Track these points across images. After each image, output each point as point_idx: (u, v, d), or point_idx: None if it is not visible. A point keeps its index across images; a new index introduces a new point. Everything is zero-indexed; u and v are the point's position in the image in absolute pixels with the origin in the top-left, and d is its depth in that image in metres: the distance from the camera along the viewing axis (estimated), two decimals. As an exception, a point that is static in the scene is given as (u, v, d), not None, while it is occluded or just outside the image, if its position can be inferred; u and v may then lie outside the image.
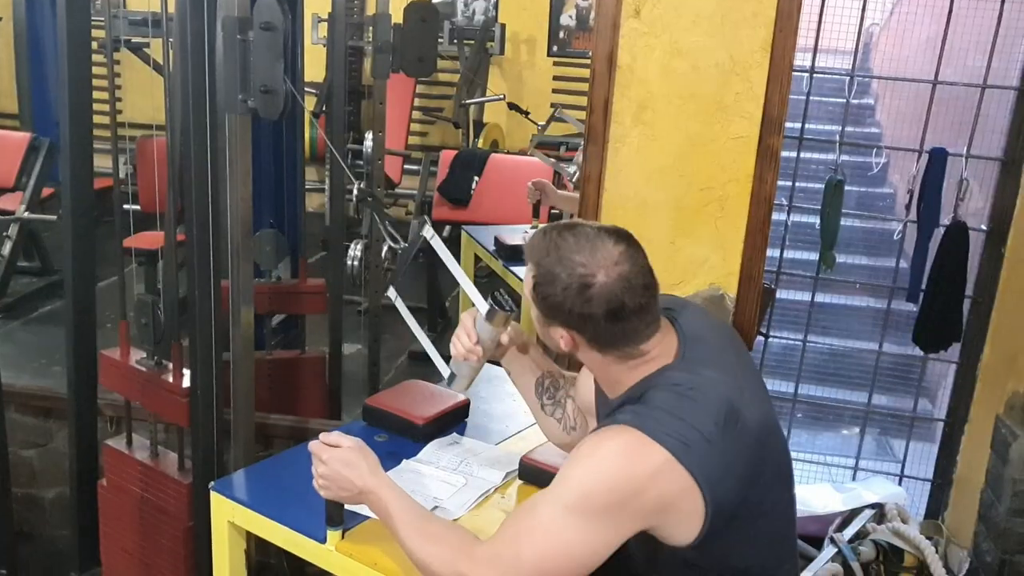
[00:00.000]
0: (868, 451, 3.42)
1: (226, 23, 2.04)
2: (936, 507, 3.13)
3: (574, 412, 1.81)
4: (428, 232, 1.84)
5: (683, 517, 1.39)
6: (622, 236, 1.48)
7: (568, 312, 1.45)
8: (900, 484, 3.20)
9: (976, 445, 2.91)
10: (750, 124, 2.42)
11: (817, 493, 3.06)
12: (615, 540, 1.38)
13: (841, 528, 2.85)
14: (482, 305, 1.69)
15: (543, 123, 3.88)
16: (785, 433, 3.35)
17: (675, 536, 1.42)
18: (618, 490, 1.35)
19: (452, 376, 1.77)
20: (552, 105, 5.14)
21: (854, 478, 3.27)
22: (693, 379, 1.44)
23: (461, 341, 1.71)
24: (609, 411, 1.52)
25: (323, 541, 1.63)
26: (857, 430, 3.39)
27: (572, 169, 3.92)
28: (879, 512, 2.93)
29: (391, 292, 2.00)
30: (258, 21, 2.01)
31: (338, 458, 1.53)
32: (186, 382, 2.32)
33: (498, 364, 1.89)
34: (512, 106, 5.72)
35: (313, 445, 1.57)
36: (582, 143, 3.01)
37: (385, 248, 3.73)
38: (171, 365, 2.38)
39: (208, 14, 2.14)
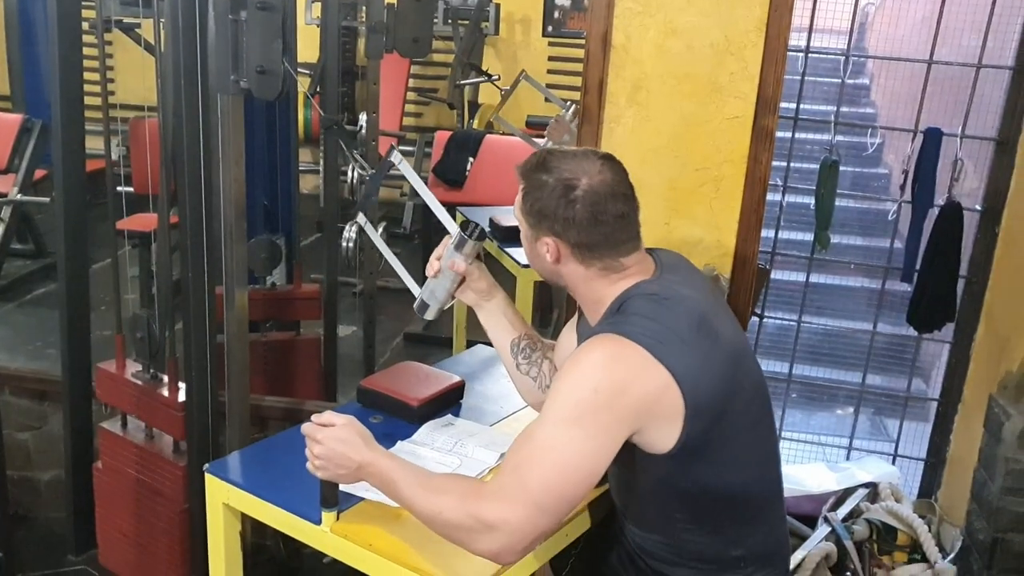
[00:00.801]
0: (862, 431, 3.44)
1: (218, 2, 2.03)
2: (929, 486, 3.15)
3: (550, 371, 1.86)
4: (396, 157, 1.92)
5: (664, 416, 1.45)
6: (607, 156, 1.59)
7: (553, 215, 1.53)
8: (894, 464, 3.22)
9: (969, 424, 2.92)
10: (745, 104, 2.41)
11: (811, 472, 3.07)
12: (610, 445, 1.43)
13: (835, 507, 2.86)
14: (454, 230, 1.80)
15: (508, 88, 3.86)
16: (779, 414, 3.37)
17: (657, 441, 1.47)
18: (602, 391, 1.41)
19: (423, 304, 1.87)
20: (547, 88, 5.11)
21: (848, 458, 3.29)
22: (668, 290, 1.54)
23: (431, 264, 1.82)
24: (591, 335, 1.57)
25: (318, 522, 1.63)
26: (851, 410, 3.40)
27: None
28: (873, 491, 2.95)
29: (360, 217, 2.09)
30: (254, 0, 1.99)
31: (333, 436, 1.54)
32: (182, 396, 2.33)
33: (489, 345, 1.92)
34: (475, 67, 5.68)
35: (306, 427, 1.57)
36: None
37: (380, 229, 3.73)
38: (166, 379, 2.38)
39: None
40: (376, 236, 2.05)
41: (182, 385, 2.34)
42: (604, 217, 1.52)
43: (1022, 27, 2.74)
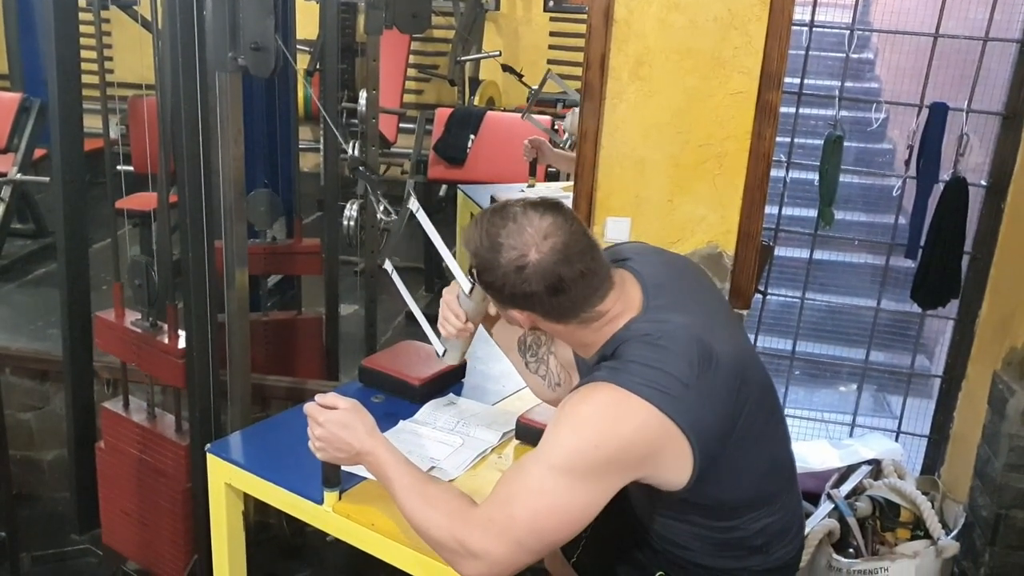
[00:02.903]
0: (865, 408, 3.43)
1: (213, -23, 2.00)
2: (932, 463, 3.14)
3: (557, 368, 1.82)
4: (414, 205, 1.89)
5: (672, 464, 1.41)
6: (549, 208, 1.46)
7: (512, 295, 1.46)
8: (897, 440, 3.21)
9: (973, 401, 2.91)
10: (749, 79, 2.39)
11: (814, 449, 3.07)
12: (605, 495, 1.41)
13: (838, 484, 2.87)
14: (464, 282, 1.68)
15: (536, 87, 3.83)
16: (782, 391, 3.36)
17: (667, 482, 1.44)
18: (604, 447, 1.37)
19: (445, 349, 1.81)
20: (548, 64, 5.08)
21: (851, 435, 3.28)
22: (662, 327, 1.46)
23: (450, 321, 1.72)
24: (587, 369, 1.54)
25: (320, 502, 1.63)
26: (854, 387, 3.39)
27: (565, 137, 3.89)
28: (876, 468, 2.94)
29: (387, 265, 2.01)
30: (248, -24, 1.97)
31: (334, 420, 1.53)
32: (181, 343, 2.31)
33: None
34: (506, 68, 5.65)
35: (309, 407, 1.56)
36: (577, 100, 2.97)
37: (381, 208, 3.72)
38: (166, 326, 2.36)
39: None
40: (400, 283, 1.98)
41: (182, 332, 2.31)
42: (563, 284, 1.43)
43: (1030, -1, 2.70)
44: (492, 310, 1.70)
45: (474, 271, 1.56)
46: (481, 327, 1.83)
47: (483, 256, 1.46)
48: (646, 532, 1.66)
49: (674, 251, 2.45)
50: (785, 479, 1.66)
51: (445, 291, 1.74)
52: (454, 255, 4.16)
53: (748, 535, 1.58)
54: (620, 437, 1.37)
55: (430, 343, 2.08)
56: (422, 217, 1.87)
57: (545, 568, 1.92)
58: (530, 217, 1.44)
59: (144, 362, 2.42)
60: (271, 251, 3.11)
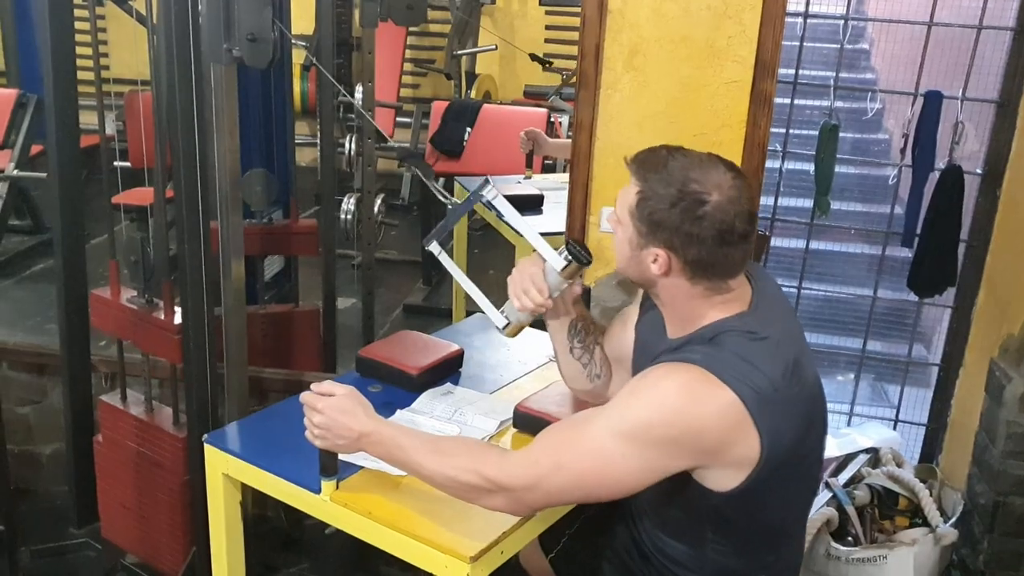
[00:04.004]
0: (863, 397, 3.43)
1: (208, -31, 2.00)
2: (931, 451, 3.15)
3: (601, 360, 1.79)
4: (491, 193, 1.72)
5: (734, 462, 1.38)
6: (733, 165, 1.45)
7: (675, 230, 1.40)
8: (895, 429, 3.22)
9: (970, 389, 2.92)
10: (743, 68, 2.39)
11: (812, 439, 3.07)
12: (662, 473, 1.39)
13: (836, 473, 2.87)
14: (557, 260, 1.61)
15: (569, 71, 3.79)
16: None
17: (717, 480, 1.41)
18: (678, 425, 1.35)
19: (507, 323, 1.70)
20: (544, 56, 5.07)
21: (849, 424, 3.28)
22: (764, 330, 1.43)
23: (530, 295, 1.63)
24: (668, 349, 1.49)
25: (318, 491, 1.62)
26: (852, 376, 3.40)
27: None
28: (874, 456, 2.95)
29: (434, 247, 1.83)
30: (242, -34, 1.97)
31: (334, 406, 1.53)
32: (177, 319, 2.30)
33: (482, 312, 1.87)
34: (534, 57, 5.55)
35: (305, 396, 1.56)
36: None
37: (379, 201, 3.72)
38: (162, 303, 2.36)
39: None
40: (452, 265, 1.87)
41: (178, 309, 2.31)
42: (730, 238, 1.39)
43: (1024, -13, 2.70)
44: (577, 289, 1.69)
45: (575, 244, 1.55)
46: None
47: (658, 182, 1.40)
48: (643, 540, 1.64)
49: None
50: (805, 516, 1.64)
51: (524, 261, 1.67)
52: (451, 249, 4.17)
53: (753, 567, 1.55)
54: (697, 418, 1.35)
55: (427, 328, 2.07)
56: (500, 202, 1.73)
57: (520, 564, 1.89)
58: (716, 164, 1.42)
59: (140, 339, 2.41)
60: (267, 232, 3.09)
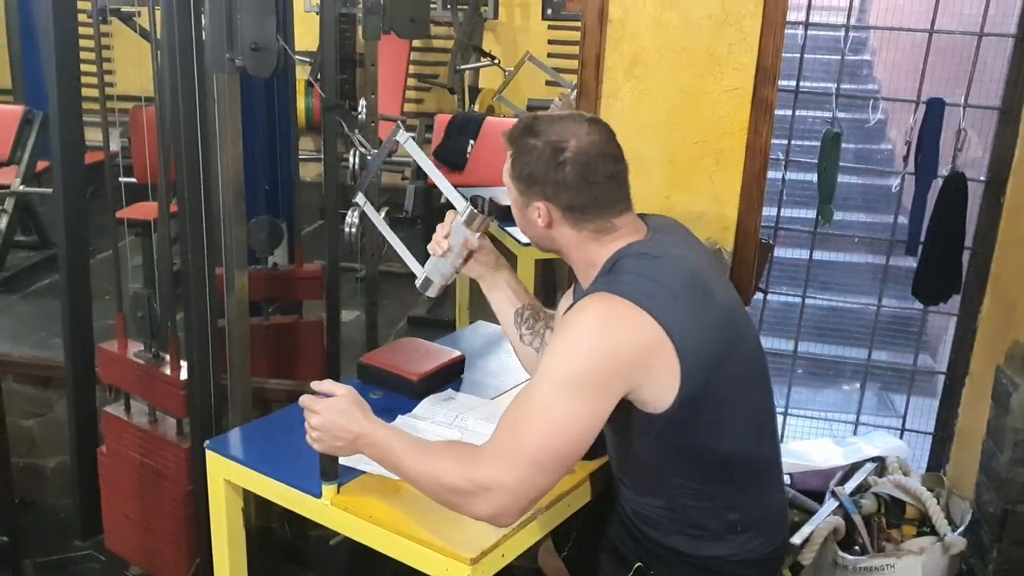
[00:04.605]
0: (869, 407, 3.42)
1: (211, -22, 2.02)
2: (938, 460, 3.13)
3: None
4: (402, 136, 1.90)
5: (659, 372, 1.45)
6: (594, 119, 1.59)
7: (543, 179, 1.53)
8: (901, 438, 3.20)
9: (977, 397, 2.90)
10: (744, 76, 2.40)
11: (818, 447, 3.06)
12: (605, 404, 1.44)
13: (842, 482, 2.85)
14: (461, 205, 1.77)
15: (512, 69, 3.84)
16: (784, 391, 3.35)
17: (654, 399, 1.47)
18: (596, 349, 1.42)
19: (427, 281, 1.85)
20: (525, 54, 5.13)
21: (855, 433, 3.27)
22: (660, 249, 1.55)
23: (437, 240, 1.80)
24: (583, 295, 1.56)
25: (318, 496, 1.62)
26: (857, 386, 3.39)
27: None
28: (880, 465, 2.93)
29: (360, 198, 2.05)
30: (247, -25, 1.98)
31: (331, 407, 1.53)
32: (183, 374, 2.32)
33: (490, 321, 1.92)
34: (478, 50, 5.67)
35: (304, 398, 1.56)
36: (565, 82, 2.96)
37: (383, 213, 3.72)
38: (167, 357, 2.38)
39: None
40: (376, 216, 2.04)
41: (184, 363, 2.33)
42: (594, 178, 1.52)
43: (1024, -6, 2.71)
44: (475, 242, 1.78)
45: (482, 199, 1.70)
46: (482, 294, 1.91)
47: (521, 140, 1.55)
48: (627, 515, 1.67)
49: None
50: (767, 460, 1.67)
51: (448, 213, 1.81)
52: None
53: (722, 511, 1.59)
54: (610, 338, 1.42)
55: (431, 341, 2.08)
56: (411, 146, 1.92)
57: (538, 567, 1.91)
58: (575, 118, 1.56)
59: (146, 393, 2.44)
60: (272, 277, 3.14)
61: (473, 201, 1.79)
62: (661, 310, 1.43)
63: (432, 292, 1.87)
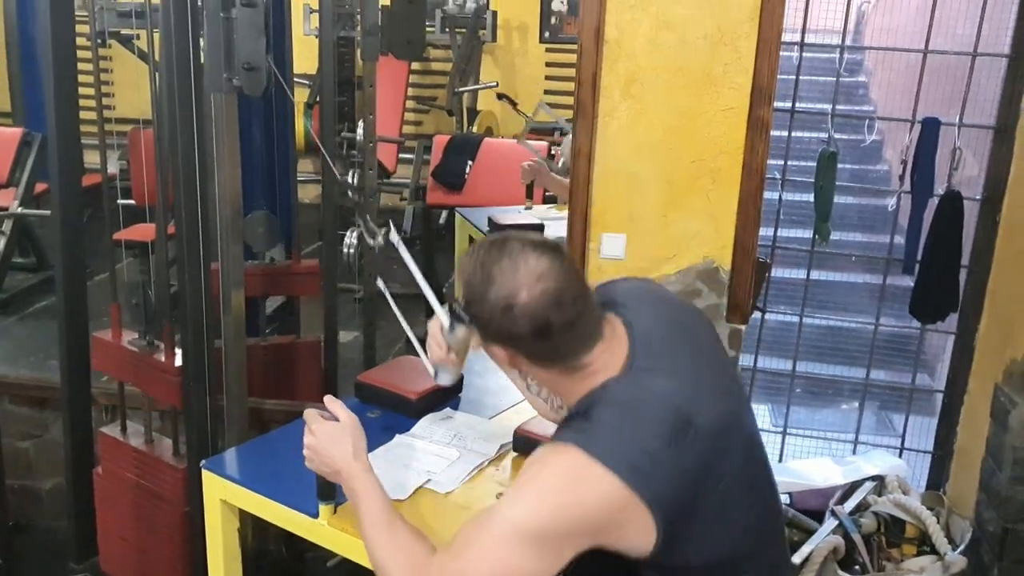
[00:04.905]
0: (868, 426, 3.41)
1: (210, 0, 2.03)
2: (937, 479, 3.12)
3: None
4: (394, 237, 1.92)
5: (633, 534, 1.35)
6: (547, 250, 1.40)
7: (497, 332, 1.41)
8: (900, 457, 3.19)
9: (976, 415, 2.90)
10: (739, 95, 2.41)
11: (817, 466, 3.05)
12: (561, 562, 1.35)
13: (842, 501, 2.84)
14: (444, 319, 1.65)
15: (530, 114, 3.89)
16: (783, 410, 3.34)
17: (629, 550, 1.38)
18: (562, 515, 1.32)
19: (437, 371, 1.78)
20: (545, 93, 5.16)
21: (854, 453, 3.26)
22: (639, 393, 1.40)
23: (433, 351, 1.71)
24: (559, 424, 1.48)
25: (315, 516, 1.62)
26: (856, 405, 3.38)
27: (560, 163, 3.93)
28: (880, 484, 2.92)
29: (380, 283, 2.04)
30: (240, -3, 2.00)
31: (326, 431, 1.52)
32: (178, 361, 2.32)
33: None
34: (501, 96, 5.71)
35: (308, 412, 1.56)
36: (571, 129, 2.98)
37: (382, 232, 3.73)
38: (162, 345, 2.37)
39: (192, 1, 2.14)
40: (411, 262, 1.97)
41: (178, 351, 2.32)
42: (550, 331, 1.37)
43: (1016, 15, 2.73)
44: (474, 342, 1.60)
45: (458, 305, 1.51)
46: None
47: (474, 287, 1.41)
48: None
49: (669, 266, 2.52)
50: (765, 539, 1.57)
51: (431, 323, 1.72)
52: (453, 284, 4.17)
53: None
54: (580, 506, 1.32)
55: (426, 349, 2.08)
56: (402, 250, 1.91)
57: None
58: (526, 256, 1.38)
59: (141, 381, 2.42)
60: (269, 272, 3.12)
61: (451, 311, 1.62)
62: (639, 480, 1.31)
63: (447, 381, 1.80)
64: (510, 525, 1.34)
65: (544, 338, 1.38)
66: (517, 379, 1.82)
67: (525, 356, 1.44)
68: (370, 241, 2.14)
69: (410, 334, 1.99)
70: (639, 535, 1.35)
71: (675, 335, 1.51)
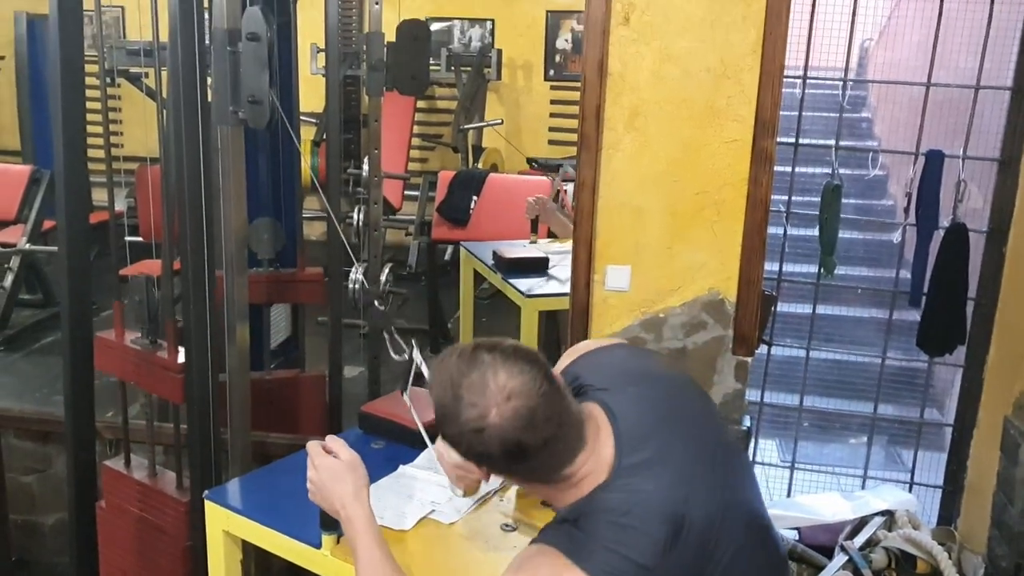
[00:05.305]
0: (876, 462, 3.38)
1: (216, 35, 2.06)
2: (948, 514, 3.08)
3: None
4: (418, 358, 1.86)
5: None
6: (519, 360, 1.33)
7: (469, 452, 1.35)
8: (910, 492, 3.16)
9: (986, 449, 2.87)
10: (743, 127, 2.42)
11: (826, 501, 3.02)
12: None
13: (851, 536, 2.80)
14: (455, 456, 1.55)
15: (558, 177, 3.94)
16: (791, 445, 3.32)
17: None
18: None
19: (464, 492, 1.71)
20: (549, 131, 5.20)
21: (863, 487, 3.23)
22: (629, 500, 1.33)
23: (468, 480, 1.62)
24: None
25: (318, 546, 1.60)
26: (864, 439, 3.35)
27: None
28: (890, 519, 2.88)
29: (406, 397, 1.93)
30: (245, 32, 2.03)
31: (329, 467, 1.52)
32: (181, 358, 2.31)
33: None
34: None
35: (311, 445, 1.55)
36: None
37: (387, 270, 3.74)
38: (165, 343, 2.37)
39: (199, 39, 2.17)
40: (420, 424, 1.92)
41: (181, 348, 2.31)
42: (524, 452, 1.31)
43: (1019, 48, 2.74)
44: None
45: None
46: None
47: (444, 405, 1.34)
48: None
49: (674, 298, 2.51)
50: None
51: (440, 446, 1.59)
52: (458, 317, 4.15)
53: None
54: None
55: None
56: (424, 368, 1.85)
57: None
58: (496, 370, 1.31)
59: (143, 379, 2.42)
60: (274, 279, 3.12)
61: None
62: None
63: (471, 494, 1.75)
64: None
65: (518, 460, 1.32)
66: None
67: (502, 474, 1.40)
68: (395, 356, 2.12)
69: (425, 436, 1.87)
70: None
71: (663, 420, 1.45)
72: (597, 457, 1.36)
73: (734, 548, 1.38)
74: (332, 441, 1.56)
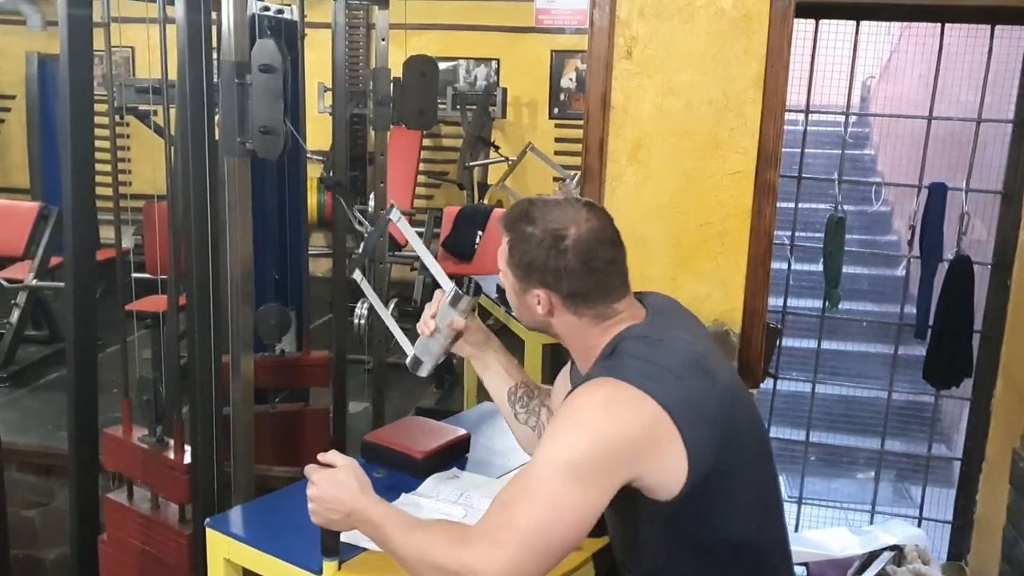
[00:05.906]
0: (885, 497, 3.36)
1: (224, 68, 2.08)
2: (958, 550, 3.05)
3: (548, 419, 1.80)
4: (395, 215, 1.91)
5: (664, 460, 1.40)
6: (590, 203, 1.57)
7: (543, 268, 1.50)
8: (919, 527, 3.12)
9: (995, 482, 2.84)
10: (746, 159, 2.43)
11: (834, 536, 2.99)
12: (605, 491, 1.39)
13: (860, 571, 2.78)
14: (448, 286, 1.74)
15: (514, 159, 3.93)
16: (798, 480, 3.29)
17: (659, 486, 1.42)
18: (599, 438, 1.37)
19: (416, 360, 1.81)
20: (528, 144, 5.26)
21: (871, 523, 3.19)
22: (660, 332, 1.51)
23: (425, 321, 1.77)
24: (582, 381, 1.51)
25: (319, 573, 1.58)
26: (872, 474, 3.32)
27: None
28: (899, 554, 2.85)
29: (357, 274, 2.03)
30: (257, 63, 2.05)
31: (328, 478, 1.51)
32: (187, 458, 2.31)
33: (490, 400, 1.89)
34: (482, 139, 5.82)
35: (309, 468, 1.54)
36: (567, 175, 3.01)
37: (392, 305, 3.75)
38: (172, 442, 2.37)
39: (208, 75, 2.19)
40: (369, 289, 2.03)
41: (188, 448, 2.31)
42: (596, 264, 1.49)
43: (1020, 81, 2.76)
44: (460, 323, 1.73)
45: (470, 281, 1.67)
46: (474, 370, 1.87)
47: (518, 227, 1.52)
48: None
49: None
50: (776, 549, 1.60)
51: (437, 292, 1.78)
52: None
53: None
54: (614, 425, 1.38)
55: (436, 420, 2.06)
56: (403, 225, 1.92)
57: None
58: (572, 203, 1.53)
59: (150, 478, 2.43)
60: (280, 364, 3.15)
61: (459, 282, 1.75)
62: (664, 393, 1.39)
63: (423, 372, 1.83)
64: (552, 461, 1.38)
65: (589, 272, 1.49)
66: (506, 408, 1.84)
67: (565, 297, 1.52)
68: (359, 228, 2.17)
69: (390, 323, 2.00)
70: (671, 460, 1.39)
71: (685, 319, 1.66)
72: (634, 308, 1.57)
73: (748, 429, 1.52)
74: (325, 456, 1.55)
